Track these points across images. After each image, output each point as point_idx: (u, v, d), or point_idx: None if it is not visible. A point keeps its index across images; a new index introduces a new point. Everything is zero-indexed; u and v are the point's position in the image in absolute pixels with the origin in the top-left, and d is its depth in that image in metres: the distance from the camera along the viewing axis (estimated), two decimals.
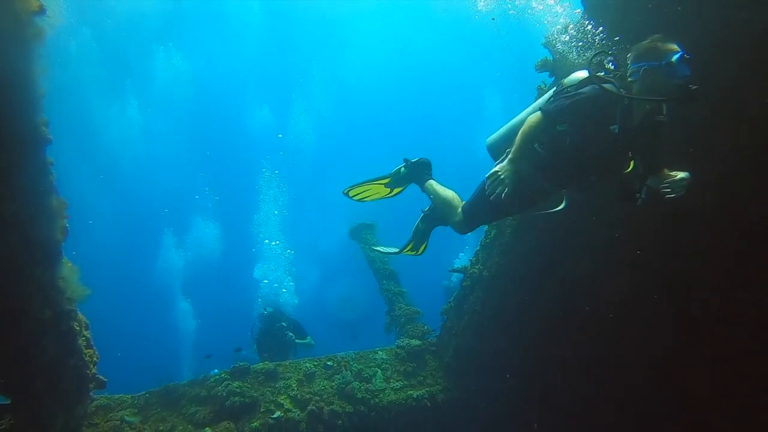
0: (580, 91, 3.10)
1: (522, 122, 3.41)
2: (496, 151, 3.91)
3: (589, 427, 6.17)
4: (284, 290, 15.32)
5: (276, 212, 20.50)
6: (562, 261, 5.17)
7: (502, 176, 3.23)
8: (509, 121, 3.94)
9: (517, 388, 6.41)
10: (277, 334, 8.49)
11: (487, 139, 4.12)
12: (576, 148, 3.21)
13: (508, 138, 3.67)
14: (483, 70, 29.07)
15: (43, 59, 3.24)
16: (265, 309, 9.02)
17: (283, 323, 8.62)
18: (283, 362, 6.69)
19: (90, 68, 22.69)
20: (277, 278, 16.36)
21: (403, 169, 4.35)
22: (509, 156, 3.30)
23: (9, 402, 4.90)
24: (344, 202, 4.69)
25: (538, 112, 3.30)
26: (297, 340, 8.53)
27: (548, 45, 5.02)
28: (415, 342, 7.05)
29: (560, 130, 3.29)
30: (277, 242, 18.18)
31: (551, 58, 5.13)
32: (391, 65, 32.12)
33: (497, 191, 3.21)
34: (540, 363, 6.09)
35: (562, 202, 3.88)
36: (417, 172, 4.31)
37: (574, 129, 3.20)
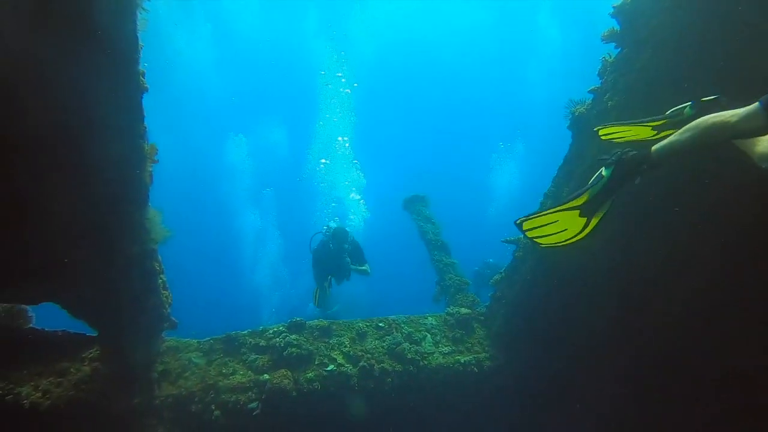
0: None
1: None
2: None
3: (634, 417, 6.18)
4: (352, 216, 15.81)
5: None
6: (629, 241, 5.16)
7: None
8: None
9: (565, 364, 6.48)
10: (335, 254, 8.06)
11: None
12: None
13: None
14: None
15: (144, 11, 3.56)
16: (327, 225, 8.51)
17: (344, 244, 8.15)
18: (337, 321, 7.00)
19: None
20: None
21: (688, 109, 3.28)
22: None
23: (96, 334, 5.45)
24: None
25: None
26: (352, 267, 8.11)
27: (617, 14, 4.96)
28: (464, 310, 7.22)
29: None
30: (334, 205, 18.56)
31: (618, 29, 5.07)
32: None
33: None
34: (591, 342, 6.12)
35: None
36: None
37: None
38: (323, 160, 20.13)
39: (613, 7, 4.96)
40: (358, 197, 18.58)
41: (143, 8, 3.46)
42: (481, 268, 11.94)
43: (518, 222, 3.06)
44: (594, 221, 2.92)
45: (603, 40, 5.21)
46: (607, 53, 5.20)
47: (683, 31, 3.99)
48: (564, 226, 2.98)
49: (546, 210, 3.01)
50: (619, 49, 4.99)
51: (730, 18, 3.71)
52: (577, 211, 2.94)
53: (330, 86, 21.50)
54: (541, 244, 3.05)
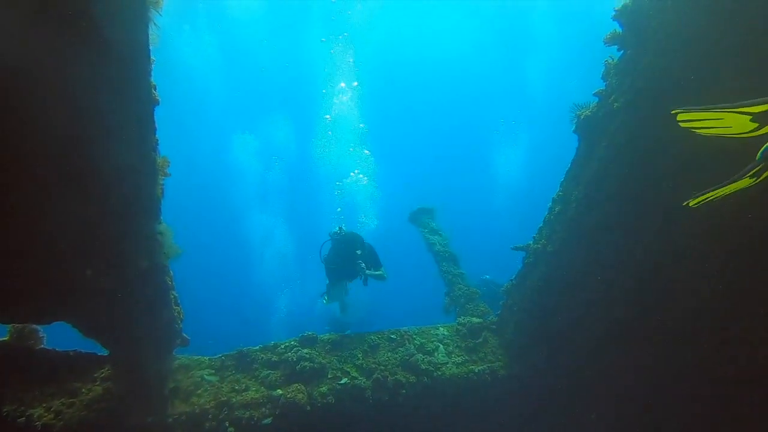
0: None
1: None
2: None
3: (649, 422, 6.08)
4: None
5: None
6: (634, 244, 5.15)
7: None
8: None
9: (579, 372, 6.40)
10: (348, 260, 7.50)
11: None
12: None
13: None
14: None
15: (156, 26, 3.62)
16: (339, 228, 7.83)
17: (357, 250, 7.52)
18: (349, 334, 6.94)
19: None
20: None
21: None
22: None
23: (108, 354, 5.41)
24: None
25: None
26: (368, 272, 7.50)
27: (619, 16, 5.01)
28: (475, 320, 7.17)
29: None
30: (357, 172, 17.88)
31: (620, 31, 5.12)
32: None
33: None
34: (603, 348, 6.06)
35: None
36: None
37: None
38: (327, 116, 19.19)
39: (615, 10, 5.02)
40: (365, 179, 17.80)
41: (155, 24, 3.51)
42: (478, 285, 11.78)
43: (674, 111, 2.87)
44: (765, 130, 2.71)
45: (606, 43, 5.24)
46: (610, 56, 5.25)
47: (685, 30, 4.04)
48: (728, 124, 2.81)
49: (712, 108, 2.80)
50: (622, 51, 5.03)
51: (732, 15, 3.76)
52: (749, 117, 2.72)
53: (333, 52, 20.52)
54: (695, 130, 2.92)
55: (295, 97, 30.45)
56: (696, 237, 4.67)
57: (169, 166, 4.23)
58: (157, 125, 3.99)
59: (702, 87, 4.02)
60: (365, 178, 16.48)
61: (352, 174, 17.16)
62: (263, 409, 5.87)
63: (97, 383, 5.40)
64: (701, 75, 4.02)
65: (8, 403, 5.05)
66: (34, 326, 5.39)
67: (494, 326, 7.21)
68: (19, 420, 4.98)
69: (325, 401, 5.99)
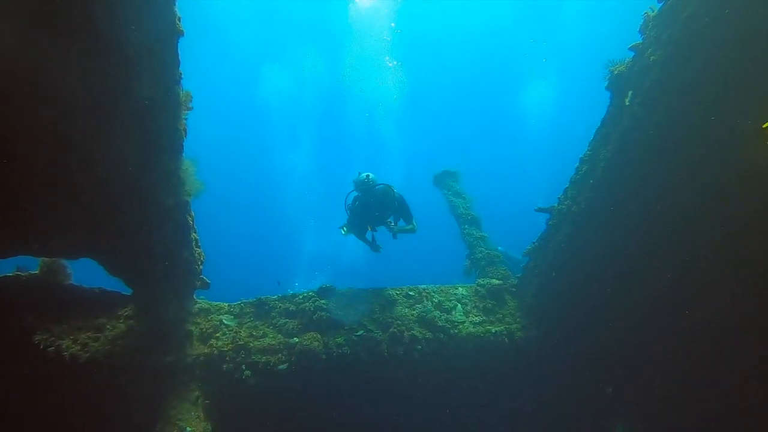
0: None
1: None
2: None
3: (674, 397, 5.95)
4: None
5: None
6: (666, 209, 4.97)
7: None
8: None
9: (599, 340, 6.30)
10: (376, 217, 6.94)
11: None
12: None
13: None
14: None
15: None
16: (366, 176, 6.90)
17: (388, 210, 6.90)
18: (366, 288, 6.95)
19: None
20: None
21: None
22: None
23: (131, 293, 5.55)
24: None
25: None
26: (396, 229, 7.00)
27: None
28: (495, 281, 7.10)
29: None
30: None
31: None
32: None
33: None
34: (624, 312, 5.93)
35: None
36: None
37: None
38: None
39: None
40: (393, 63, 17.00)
41: None
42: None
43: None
44: None
45: None
46: (650, 7, 5.02)
47: None
48: None
49: None
50: (663, 2, 4.79)
51: None
52: None
53: None
54: None
55: (325, 23, 29.12)
56: (734, 202, 4.48)
57: (191, 100, 4.23)
58: (180, 58, 3.98)
59: (752, 40, 3.80)
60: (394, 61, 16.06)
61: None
62: (279, 355, 5.98)
63: (121, 321, 5.57)
64: (750, 27, 3.80)
65: (39, 333, 5.26)
66: (63, 262, 5.57)
67: (514, 289, 7.13)
68: (49, 349, 5.18)
69: (340, 351, 6.05)
